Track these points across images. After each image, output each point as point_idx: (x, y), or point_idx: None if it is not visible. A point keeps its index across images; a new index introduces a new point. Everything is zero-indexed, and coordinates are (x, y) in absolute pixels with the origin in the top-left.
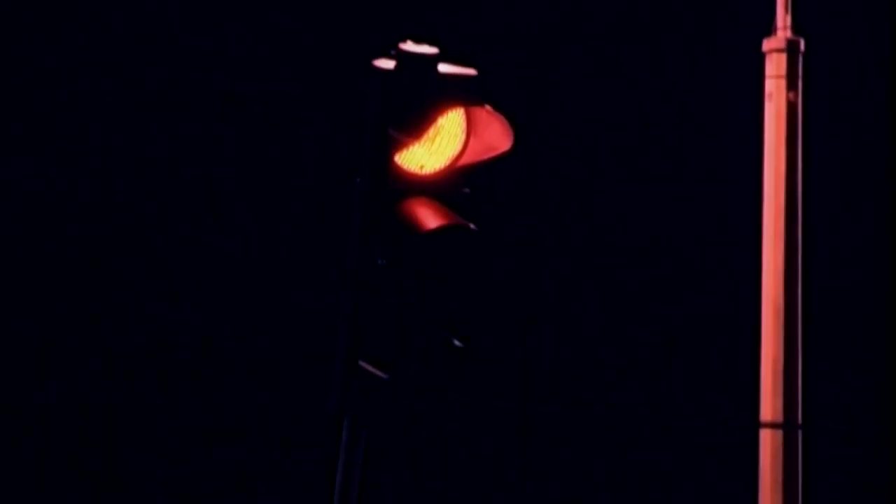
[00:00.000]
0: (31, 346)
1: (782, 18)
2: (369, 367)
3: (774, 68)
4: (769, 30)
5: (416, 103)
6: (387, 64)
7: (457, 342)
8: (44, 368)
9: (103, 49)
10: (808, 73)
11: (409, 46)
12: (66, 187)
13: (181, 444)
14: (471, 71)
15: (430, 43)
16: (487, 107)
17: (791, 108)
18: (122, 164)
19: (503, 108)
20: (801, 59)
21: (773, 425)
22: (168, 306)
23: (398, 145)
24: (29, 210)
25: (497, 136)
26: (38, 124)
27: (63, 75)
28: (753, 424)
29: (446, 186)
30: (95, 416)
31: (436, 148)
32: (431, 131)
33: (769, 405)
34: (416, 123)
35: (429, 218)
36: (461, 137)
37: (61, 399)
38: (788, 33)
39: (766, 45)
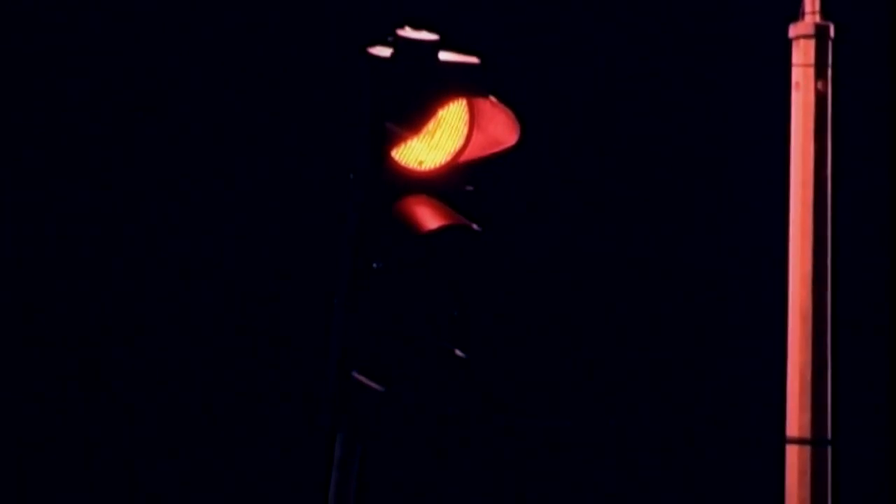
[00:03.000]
0: (28, 346)
1: (810, 2)
2: (364, 379)
3: (802, 56)
4: (796, 14)
5: (415, 94)
6: (383, 51)
7: (458, 352)
8: (40, 369)
9: (100, 47)
10: (838, 60)
11: (407, 32)
12: (66, 189)
13: (171, 456)
14: (473, 59)
15: (430, 29)
16: (491, 98)
17: (820, 98)
18: (116, 164)
19: (508, 99)
20: (830, 45)
21: (800, 441)
22: (162, 308)
23: (395, 140)
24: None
25: (502, 130)
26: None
27: (61, 74)
28: (780, 440)
29: (447, 184)
30: (93, 420)
31: (436, 142)
32: (431, 124)
33: (796, 420)
34: (414, 116)
35: (428, 218)
36: (463, 131)
37: (60, 400)
38: (817, 18)
39: (793, 30)
